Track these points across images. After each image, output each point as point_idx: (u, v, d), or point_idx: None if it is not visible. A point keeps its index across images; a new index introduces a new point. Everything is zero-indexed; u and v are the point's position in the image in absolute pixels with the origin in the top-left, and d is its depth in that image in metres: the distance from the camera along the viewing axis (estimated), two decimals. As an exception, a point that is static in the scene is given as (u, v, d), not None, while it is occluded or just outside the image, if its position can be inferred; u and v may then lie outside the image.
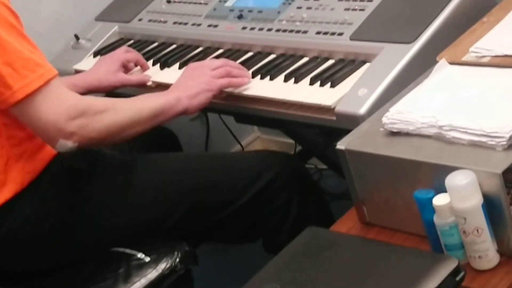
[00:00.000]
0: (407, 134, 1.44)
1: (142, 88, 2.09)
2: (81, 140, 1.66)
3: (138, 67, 2.15)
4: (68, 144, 1.65)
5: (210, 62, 1.93)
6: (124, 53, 2.14)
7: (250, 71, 1.92)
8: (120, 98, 1.78)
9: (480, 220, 1.30)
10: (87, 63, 2.30)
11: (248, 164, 1.91)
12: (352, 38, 1.84)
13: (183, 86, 1.84)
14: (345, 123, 1.63)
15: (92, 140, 1.68)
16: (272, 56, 1.98)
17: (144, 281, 1.70)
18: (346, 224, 1.55)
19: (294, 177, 1.91)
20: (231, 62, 1.92)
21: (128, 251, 1.76)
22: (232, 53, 2.06)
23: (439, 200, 1.32)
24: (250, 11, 2.13)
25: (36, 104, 1.61)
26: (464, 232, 1.31)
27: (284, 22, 2.02)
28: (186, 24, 2.25)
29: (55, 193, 1.73)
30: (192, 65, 1.92)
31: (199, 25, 2.21)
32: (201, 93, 1.83)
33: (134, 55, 2.15)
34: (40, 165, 1.72)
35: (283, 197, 1.88)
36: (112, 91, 2.12)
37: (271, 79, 1.87)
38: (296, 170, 1.95)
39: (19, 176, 1.70)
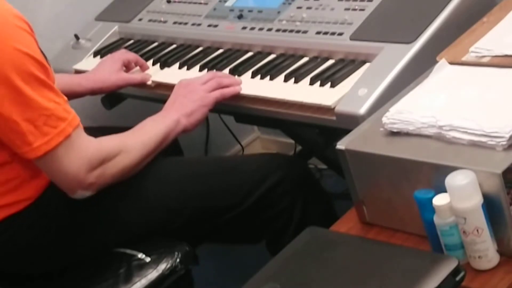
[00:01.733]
0: (407, 134, 1.44)
1: (142, 88, 2.09)
2: (98, 188, 1.69)
3: (137, 67, 2.15)
4: (86, 194, 1.68)
5: (198, 77, 1.93)
6: (124, 53, 2.15)
7: (250, 71, 1.93)
8: (126, 134, 1.77)
9: (480, 220, 1.30)
10: (87, 63, 2.30)
11: (252, 168, 1.90)
12: (352, 38, 1.84)
13: (178, 105, 1.85)
14: (345, 123, 1.63)
15: (108, 184, 1.71)
16: (272, 56, 1.98)
17: (144, 281, 1.70)
18: (346, 224, 1.55)
19: (298, 180, 1.90)
20: (219, 73, 1.93)
21: (128, 251, 1.77)
22: (232, 53, 2.06)
23: (439, 200, 1.32)
24: (250, 11, 2.13)
25: (57, 158, 1.62)
26: (464, 232, 1.31)
27: (284, 22, 2.02)
28: (186, 24, 2.25)
29: (60, 199, 1.72)
30: (182, 82, 1.92)
31: (199, 25, 2.21)
32: (197, 110, 1.85)
33: (134, 55, 2.16)
34: (49, 180, 1.72)
35: (286, 200, 1.87)
36: (115, 91, 2.12)
37: (271, 79, 1.87)
38: (301, 173, 1.94)
39: (34, 193, 1.71)
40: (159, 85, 2.07)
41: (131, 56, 2.14)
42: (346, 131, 1.55)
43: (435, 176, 1.34)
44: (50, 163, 1.63)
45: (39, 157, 1.61)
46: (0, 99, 1.56)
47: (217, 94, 1.87)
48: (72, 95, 1.98)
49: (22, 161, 1.67)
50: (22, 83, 1.57)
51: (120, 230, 1.79)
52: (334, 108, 1.67)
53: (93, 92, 2.10)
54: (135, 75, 2.11)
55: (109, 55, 2.17)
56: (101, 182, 1.68)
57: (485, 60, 1.56)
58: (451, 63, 1.60)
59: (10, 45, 1.57)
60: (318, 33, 1.91)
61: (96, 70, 2.12)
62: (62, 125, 1.61)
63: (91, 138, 1.69)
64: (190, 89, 1.88)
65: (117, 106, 2.38)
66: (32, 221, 1.71)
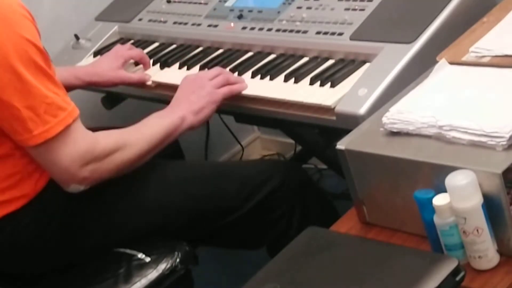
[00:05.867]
0: (407, 134, 1.44)
1: (142, 88, 2.09)
2: (93, 182, 1.68)
3: (140, 66, 2.15)
4: (80, 187, 1.68)
5: (205, 72, 1.92)
6: (127, 50, 2.14)
7: (250, 71, 1.93)
8: (129, 129, 1.76)
9: (480, 220, 1.30)
10: (87, 63, 2.30)
11: (252, 172, 1.90)
12: (352, 38, 1.84)
13: (186, 102, 1.83)
14: (345, 123, 1.63)
15: (103, 180, 1.70)
16: (272, 56, 1.98)
17: (144, 281, 1.70)
18: (346, 224, 1.56)
19: (298, 186, 1.90)
20: (225, 70, 1.92)
21: (128, 251, 1.76)
22: (232, 53, 2.06)
23: (439, 200, 1.32)
24: (250, 11, 2.13)
25: (53, 148, 1.62)
26: (464, 232, 1.31)
27: (284, 22, 2.02)
28: (186, 24, 2.25)
29: (59, 198, 1.72)
30: (189, 77, 1.91)
31: (199, 25, 2.21)
32: (206, 106, 1.84)
33: (138, 52, 2.15)
34: (49, 177, 1.72)
35: (286, 206, 1.87)
36: (112, 87, 2.12)
37: (271, 79, 1.87)
38: (300, 179, 1.94)
39: (31, 191, 1.71)
40: (159, 85, 2.07)
41: (135, 53, 2.13)
42: (346, 131, 1.55)
43: (435, 176, 1.34)
44: (45, 153, 1.63)
45: (38, 145, 1.61)
46: (2, 85, 1.57)
47: (226, 90, 1.85)
48: (68, 87, 1.98)
49: (22, 157, 1.67)
50: (25, 70, 1.57)
51: (119, 230, 1.79)
52: (334, 108, 1.67)
53: (89, 85, 2.10)
54: (133, 75, 2.10)
55: (113, 50, 2.16)
56: (96, 177, 1.68)
57: (485, 60, 1.56)
58: (451, 63, 1.60)
59: (16, 32, 1.58)
60: (318, 33, 1.91)
61: (96, 64, 2.13)
62: (62, 114, 1.61)
63: (89, 132, 1.68)
64: (198, 85, 1.86)
65: (117, 106, 2.38)
66: (29, 220, 1.71)
